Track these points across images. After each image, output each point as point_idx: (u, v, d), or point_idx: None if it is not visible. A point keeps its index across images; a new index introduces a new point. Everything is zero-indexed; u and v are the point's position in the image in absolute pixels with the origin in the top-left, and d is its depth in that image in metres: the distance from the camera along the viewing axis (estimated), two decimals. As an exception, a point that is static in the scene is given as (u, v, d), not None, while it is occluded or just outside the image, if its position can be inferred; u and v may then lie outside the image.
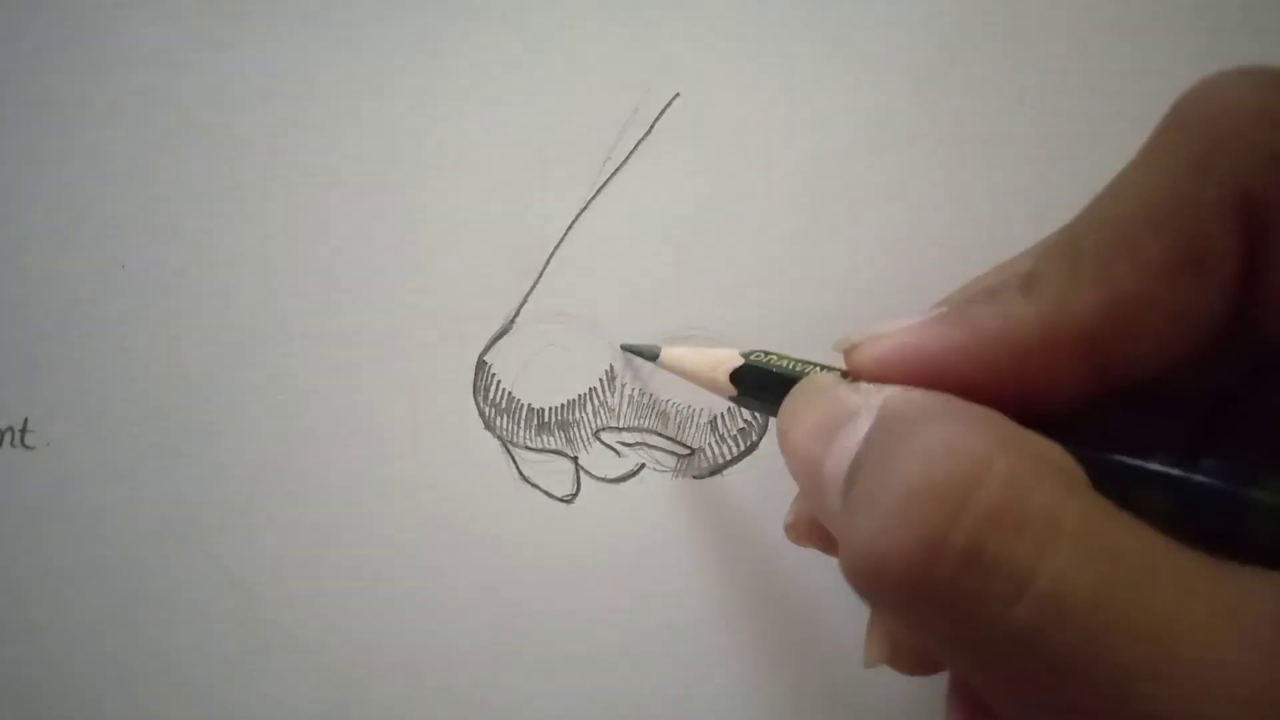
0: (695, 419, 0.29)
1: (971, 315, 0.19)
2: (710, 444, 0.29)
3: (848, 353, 0.21)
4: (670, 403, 0.29)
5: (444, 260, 0.29)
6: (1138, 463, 0.17)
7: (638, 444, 0.29)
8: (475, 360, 0.29)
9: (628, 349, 0.29)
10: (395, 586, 0.29)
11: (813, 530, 0.24)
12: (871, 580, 0.17)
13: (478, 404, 0.29)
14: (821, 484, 0.19)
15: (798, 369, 0.23)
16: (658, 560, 0.29)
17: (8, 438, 0.28)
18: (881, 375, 0.20)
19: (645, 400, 0.29)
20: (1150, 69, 0.29)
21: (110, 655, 0.28)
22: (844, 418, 0.19)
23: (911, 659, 0.22)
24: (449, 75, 0.29)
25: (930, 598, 0.16)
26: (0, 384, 0.29)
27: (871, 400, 0.19)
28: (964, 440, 0.17)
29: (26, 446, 0.28)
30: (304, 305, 0.29)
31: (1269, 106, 0.17)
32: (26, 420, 0.29)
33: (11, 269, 0.29)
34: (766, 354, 0.24)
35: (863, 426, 0.19)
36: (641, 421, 0.29)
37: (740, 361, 0.24)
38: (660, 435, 0.29)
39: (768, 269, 0.29)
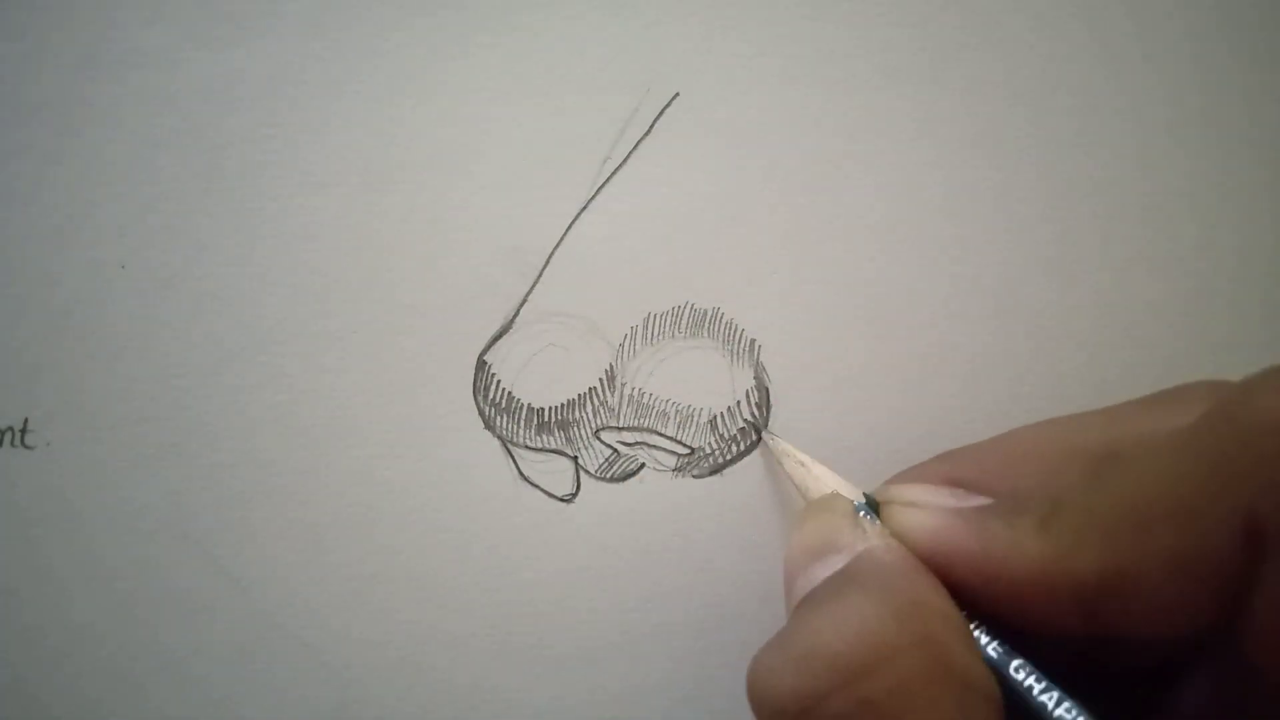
0: (695, 419, 0.29)
1: (989, 530, 0.21)
2: (710, 444, 0.29)
3: (880, 502, 0.23)
4: (670, 403, 0.29)
5: (444, 260, 0.29)
6: None
7: (638, 444, 0.29)
8: (475, 360, 0.29)
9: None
10: (395, 585, 0.29)
11: None
12: (751, 698, 0.20)
13: (478, 404, 0.29)
14: (790, 594, 0.22)
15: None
16: (658, 560, 0.29)
17: (8, 438, 0.28)
18: (899, 537, 0.22)
19: (645, 400, 0.29)
20: (1148, 68, 0.29)
21: (110, 655, 0.28)
22: (829, 550, 0.22)
23: None
24: (448, 75, 0.29)
25: None
26: (0, 384, 0.29)
27: (857, 545, 0.21)
28: (883, 627, 0.18)
29: (26, 446, 0.28)
30: (303, 305, 0.29)
31: None
32: (26, 420, 0.28)
33: (11, 269, 0.29)
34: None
35: (836, 564, 0.21)
36: (641, 421, 0.29)
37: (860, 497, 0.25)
38: (660, 435, 0.29)
39: (768, 269, 0.29)
